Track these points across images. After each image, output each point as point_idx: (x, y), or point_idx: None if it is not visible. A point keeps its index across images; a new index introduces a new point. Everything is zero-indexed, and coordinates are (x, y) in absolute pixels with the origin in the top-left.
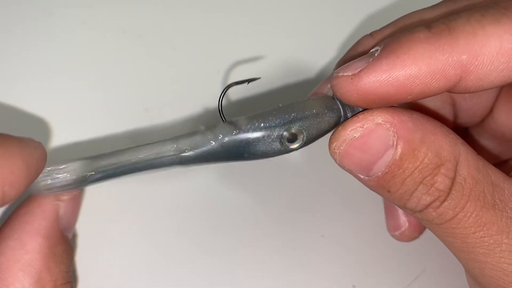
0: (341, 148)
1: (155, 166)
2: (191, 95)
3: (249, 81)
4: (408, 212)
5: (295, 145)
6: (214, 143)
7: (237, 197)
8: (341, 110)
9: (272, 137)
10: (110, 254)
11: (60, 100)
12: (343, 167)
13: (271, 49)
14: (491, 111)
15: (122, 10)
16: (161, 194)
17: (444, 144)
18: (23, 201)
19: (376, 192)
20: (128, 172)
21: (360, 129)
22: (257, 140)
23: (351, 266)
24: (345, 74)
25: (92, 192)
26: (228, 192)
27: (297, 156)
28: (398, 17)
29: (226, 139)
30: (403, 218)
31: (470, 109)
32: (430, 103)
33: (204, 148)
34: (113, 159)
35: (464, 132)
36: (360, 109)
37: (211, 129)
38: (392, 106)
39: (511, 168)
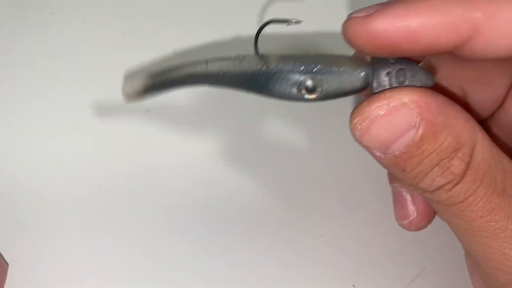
0: (363, 124)
1: (184, 82)
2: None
3: (289, 22)
4: (417, 191)
5: (310, 96)
6: (239, 71)
7: (237, 197)
8: (370, 79)
9: (292, 81)
10: (110, 254)
11: (60, 99)
12: (361, 143)
13: None
14: (502, 104)
15: (123, 10)
16: (161, 194)
17: (464, 129)
18: None
19: (388, 169)
20: (165, 86)
21: (386, 106)
22: (277, 80)
23: (351, 266)
24: (358, 15)
25: (91, 192)
26: (228, 192)
27: (297, 156)
28: None
29: (251, 70)
30: (411, 208)
31: (481, 101)
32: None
33: (229, 73)
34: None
35: None
36: (387, 86)
37: (240, 57)
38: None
39: None
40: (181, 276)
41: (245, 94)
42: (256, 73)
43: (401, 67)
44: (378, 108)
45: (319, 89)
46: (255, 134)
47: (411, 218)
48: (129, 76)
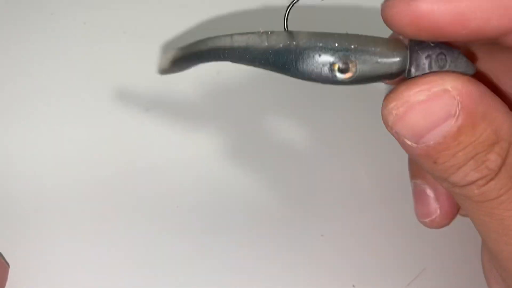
0: (401, 109)
1: (209, 56)
2: None
3: None
4: (446, 185)
5: (344, 76)
6: (265, 46)
7: (237, 197)
8: (408, 62)
9: (323, 60)
10: (111, 254)
11: (59, 99)
12: (392, 129)
13: None
14: None
15: (123, 10)
16: (162, 194)
17: (503, 123)
18: None
19: (418, 161)
20: (191, 59)
21: (427, 92)
22: (307, 57)
23: (351, 266)
24: None
25: (92, 192)
26: (228, 192)
27: (298, 156)
28: None
29: (279, 46)
30: (434, 206)
31: None
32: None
33: (255, 48)
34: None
35: None
36: (427, 70)
37: (268, 33)
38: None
39: None
40: (181, 276)
41: (246, 93)
42: (284, 49)
43: (442, 51)
44: (419, 92)
45: (353, 69)
46: (255, 134)
47: (434, 216)
48: (166, 49)
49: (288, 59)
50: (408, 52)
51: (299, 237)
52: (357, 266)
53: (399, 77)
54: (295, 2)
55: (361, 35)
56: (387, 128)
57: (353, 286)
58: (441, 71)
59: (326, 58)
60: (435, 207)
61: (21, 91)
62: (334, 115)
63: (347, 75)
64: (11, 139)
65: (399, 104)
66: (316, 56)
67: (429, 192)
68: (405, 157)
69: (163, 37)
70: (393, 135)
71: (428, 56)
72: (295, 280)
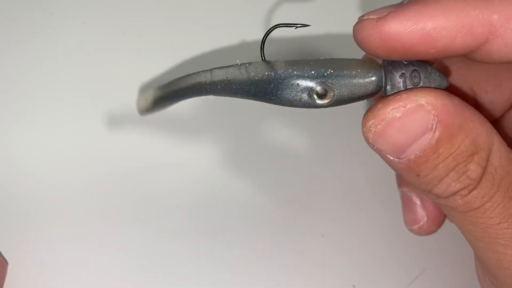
0: (378, 126)
1: (190, 92)
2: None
3: (297, 26)
4: (431, 197)
5: (322, 101)
6: (245, 78)
7: (237, 198)
8: (383, 81)
9: (302, 87)
10: (109, 253)
11: (59, 99)
12: (373, 146)
13: None
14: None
15: (122, 11)
16: (162, 195)
17: (481, 133)
18: None
19: (402, 174)
20: (172, 97)
21: (402, 108)
22: (286, 86)
23: (351, 266)
24: (371, 17)
25: (91, 192)
26: (228, 192)
27: (297, 157)
28: None
29: (258, 77)
30: (421, 213)
31: (492, 102)
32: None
33: (235, 81)
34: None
35: None
36: (402, 88)
37: (246, 64)
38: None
39: None
40: (181, 277)
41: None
42: (263, 79)
43: (415, 68)
44: (394, 110)
45: (330, 94)
46: (255, 135)
47: (421, 223)
48: (142, 90)
49: (268, 89)
50: (383, 71)
51: (299, 237)
52: (357, 266)
53: (377, 95)
54: (270, 31)
55: (336, 59)
56: (368, 145)
57: (353, 286)
58: (415, 87)
59: (304, 86)
60: (422, 214)
61: (20, 91)
62: (334, 115)
63: (326, 100)
64: (11, 138)
65: (377, 122)
66: (295, 85)
67: (416, 200)
68: None
69: (163, 37)
70: (376, 151)
71: (402, 75)
72: (295, 280)
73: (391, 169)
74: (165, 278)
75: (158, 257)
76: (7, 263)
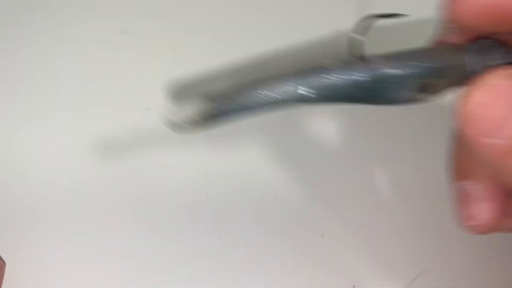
0: (475, 109)
1: (275, 106)
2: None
3: (393, 16)
4: None
5: (424, 96)
6: (341, 81)
7: (237, 198)
8: (475, 63)
9: (407, 83)
10: (109, 253)
11: (59, 99)
12: (470, 129)
13: None
14: None
15: (122, 10)
16: (162, 195)
17: None
18: None
19: (492, 160)
20: (246, 111)
21: (498, 86)
22: (390, 83)
23: (351, 266)
24: None
25: (90, 192)
26: (228, 192)
27: (297, 156)
28: None
29: (360, 78)
30: (482, 209)
31: None
32: None
33: (330, 87)
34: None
35: None
36: (489, 66)
37: (339, 65)
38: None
39: None
40: (181, 277)
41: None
42: (366, 80)
43: (495, 45)
44: (502, 76)
45: (430, 88)
46: (254, 134)
47: (481, 220)
48: (175, 100)
49: (369, 90)
50: (472, 54)
51: (299, 237)
52: (357, 266)
53: (466, 79)
54: (363, 24)
55: (426, 48)
56: (464, 130)
57: (353, 286)
58: (503, 64)
59: (408, 82)
60: (483, 211)
61: (20, 91)
62: (334, 116)
63: (427, 94)
64: (9, 139)
65: (486, 90)
66: (397, 82)
67: (479, 195)
68: (405, 157)
69: (163, 37)
70: (469, 136)
71: (485, 54)
72: (295, 280)
73: (391, 169)
74: (165, 278)
75: (158, 257)
76: (5, 263)
